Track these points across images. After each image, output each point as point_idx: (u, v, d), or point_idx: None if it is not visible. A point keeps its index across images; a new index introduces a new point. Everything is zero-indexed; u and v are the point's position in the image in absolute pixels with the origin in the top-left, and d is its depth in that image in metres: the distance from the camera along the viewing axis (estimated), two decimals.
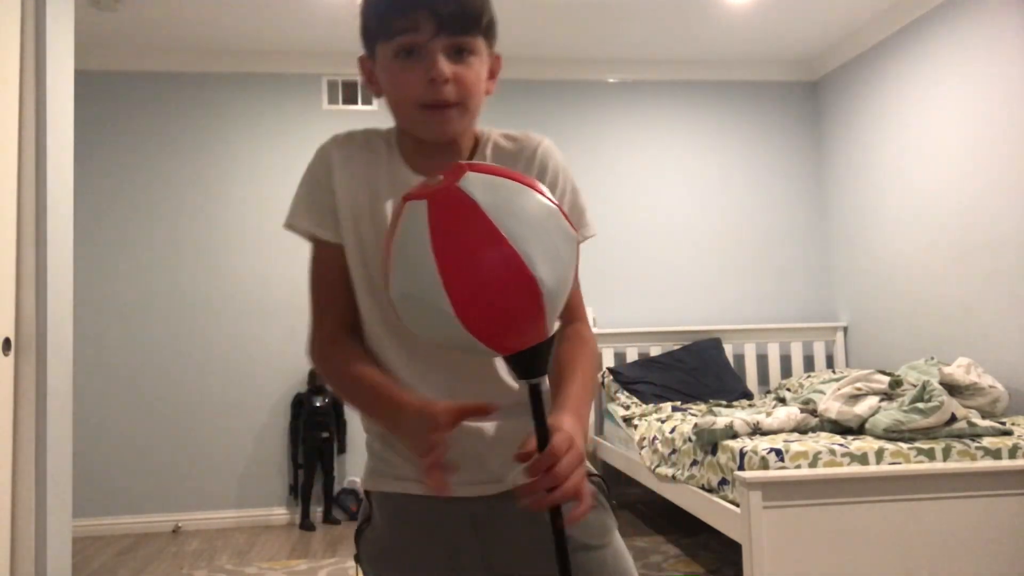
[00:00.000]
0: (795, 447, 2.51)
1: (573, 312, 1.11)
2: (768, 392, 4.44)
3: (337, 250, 1.09)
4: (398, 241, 0.85)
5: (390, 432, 1.07)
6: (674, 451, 3.17)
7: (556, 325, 0.89)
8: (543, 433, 0.88)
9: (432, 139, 1.07)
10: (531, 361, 0.88)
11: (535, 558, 1.03)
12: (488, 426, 1.06)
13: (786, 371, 4.65)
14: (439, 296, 0.81)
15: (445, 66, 1.01)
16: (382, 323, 1.07)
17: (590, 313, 1.24)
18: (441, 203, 0.82)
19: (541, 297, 0.83)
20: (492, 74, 1.10)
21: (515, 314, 0.83)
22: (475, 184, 0.83)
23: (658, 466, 3.31)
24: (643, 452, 3.52)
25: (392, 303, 0.89)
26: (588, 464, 1.06)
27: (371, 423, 1.13)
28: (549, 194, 0.88)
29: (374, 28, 1.06)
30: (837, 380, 3.37)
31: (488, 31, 1.07)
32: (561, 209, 0.87)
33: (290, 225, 1.11)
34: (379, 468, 1.12)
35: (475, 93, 1.05)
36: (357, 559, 1.14)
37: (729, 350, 4.58)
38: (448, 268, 0.81)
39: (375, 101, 4.56)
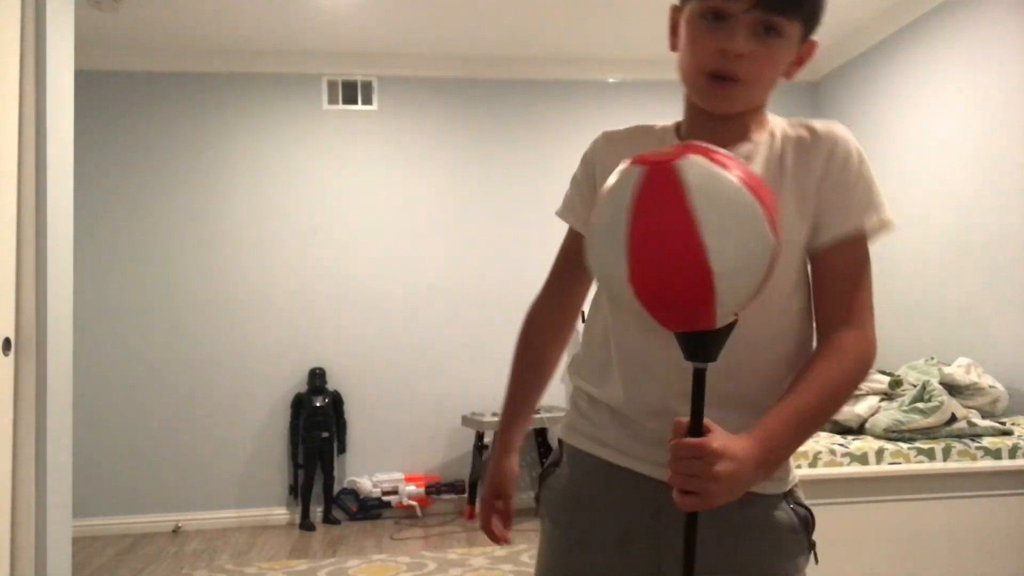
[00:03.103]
0: None
1: (844, 313, 1.03)
2: None
3: (576, 237, 1.17)
4: (609, 189, 0.89)
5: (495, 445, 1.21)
6: None
7: (731, 318, 0.89)
8: (696, 422, 0.89)
9: (709, 109, 1.06)
10: (697, 344, 0.90)
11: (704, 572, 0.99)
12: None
13: None
14: (620, 259, 0.86)
15: (743, 42, 0.99)
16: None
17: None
18: (653, 173, 0.85)
19: (713, 289, 0.84)
20: (799, 60, 1.07)
21: (682, 297, 0.85)
22: (691, 166, 0.84)
23: None
24: None
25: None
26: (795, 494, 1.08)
27: (579, 380, 1.15)
28: (766, 197, 0.86)
29: None
30: None
31: (809, 19, 1.03)
32: (770, 215, 0.85)
33: (559, 213, 1.22)
34: (581, 425, 1.13)
35: (766, 75, 1.03)
36: (537, 498, 1.20)
37: None
38: (635, 236, 0.85)
39: (375, 100, 4.57)
